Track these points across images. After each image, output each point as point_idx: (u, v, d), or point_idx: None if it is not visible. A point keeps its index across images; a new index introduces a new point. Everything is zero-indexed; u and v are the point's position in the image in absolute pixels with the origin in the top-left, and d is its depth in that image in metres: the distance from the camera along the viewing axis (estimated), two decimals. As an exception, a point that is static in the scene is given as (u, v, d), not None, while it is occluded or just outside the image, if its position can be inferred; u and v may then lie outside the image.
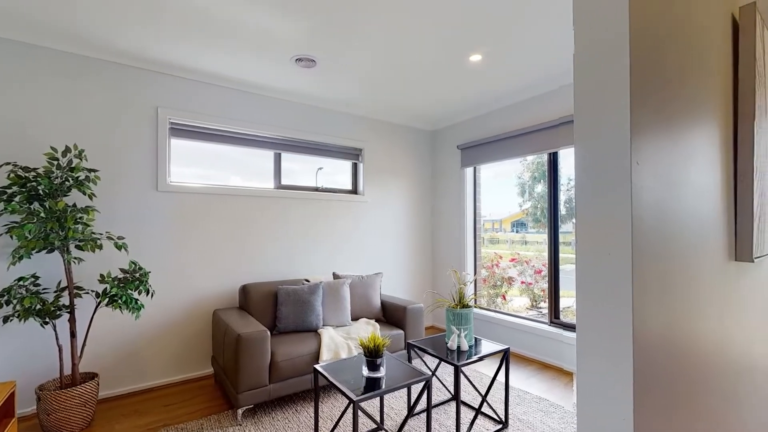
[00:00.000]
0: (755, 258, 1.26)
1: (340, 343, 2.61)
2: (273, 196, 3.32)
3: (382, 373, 1.92)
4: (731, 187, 1.20)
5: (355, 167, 3.96)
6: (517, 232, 3.88)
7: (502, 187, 3.98)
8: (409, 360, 2.36)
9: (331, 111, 3.70)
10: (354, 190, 3.96)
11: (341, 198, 3.72)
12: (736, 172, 1.21)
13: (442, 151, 4.40)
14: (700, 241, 1.01)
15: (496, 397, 2.63)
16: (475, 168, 4.12)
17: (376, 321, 3.21)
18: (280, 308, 2.81)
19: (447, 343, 2.29)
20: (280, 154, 3.45)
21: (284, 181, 3.49)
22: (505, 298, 3.95)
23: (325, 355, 2.49)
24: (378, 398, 2.50)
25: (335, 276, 3.35)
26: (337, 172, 3.85)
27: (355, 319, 3.16)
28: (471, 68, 2.78)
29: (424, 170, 4.48)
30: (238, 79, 2.96)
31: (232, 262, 3.10)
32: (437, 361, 2.66)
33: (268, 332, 2.35)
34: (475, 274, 4.14)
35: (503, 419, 2.28)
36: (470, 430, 2.20)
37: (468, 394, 2.68)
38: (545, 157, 3.43)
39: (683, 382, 0.88)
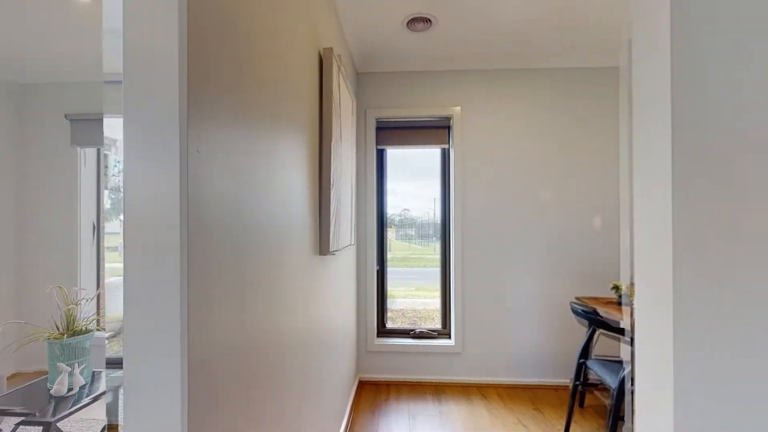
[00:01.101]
0: (333, 252, 1.62)
1: None
2: None
3: None
4: (317, 195, 1.46)
5: None
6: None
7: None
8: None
9: None
10: None
11: None
12: (321, 183, 1.49)
13: (40, 118, 3.08)
14: (289, 240, 1.12)
15: (104, 446, 2.04)
16: (99, 150, 3.17)
17: None
18: None
19: (50, 390, 1.63)
20: None
21: None
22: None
23: None
24: None
25: None
26: None
27: None
28: (82, 12, 2.05)
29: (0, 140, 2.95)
30: None
31: None
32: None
33: None
34: (98, 286, 3.19)
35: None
36: None
37: (57, 461, 1.91)
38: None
39: (274, 363, 0.90)
